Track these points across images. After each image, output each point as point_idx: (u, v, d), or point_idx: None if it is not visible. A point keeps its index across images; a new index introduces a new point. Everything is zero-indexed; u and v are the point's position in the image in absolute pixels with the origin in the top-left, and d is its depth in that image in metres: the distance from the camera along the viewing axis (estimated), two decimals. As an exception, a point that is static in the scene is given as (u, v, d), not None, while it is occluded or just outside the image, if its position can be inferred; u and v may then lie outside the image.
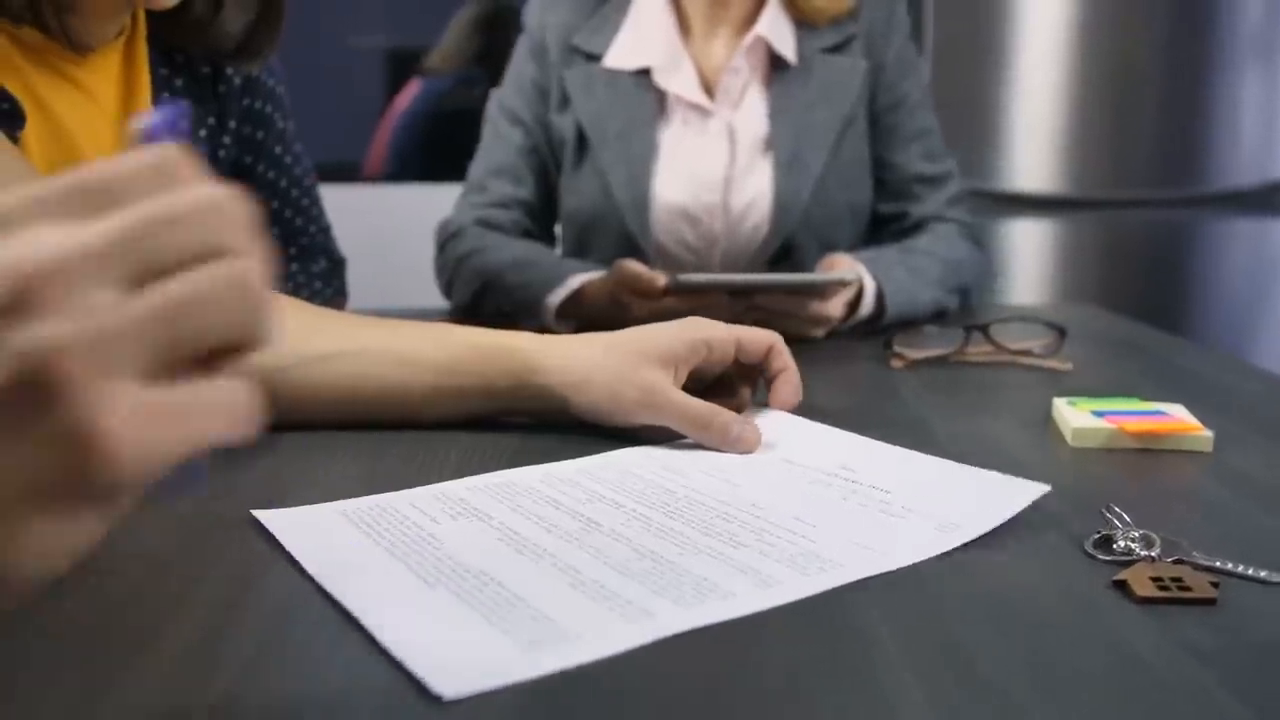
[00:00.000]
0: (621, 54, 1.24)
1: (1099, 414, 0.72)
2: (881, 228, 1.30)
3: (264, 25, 0.87)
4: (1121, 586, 0.48)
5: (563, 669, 0.40)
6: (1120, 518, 0.54)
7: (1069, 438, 0.71)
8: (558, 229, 1.36)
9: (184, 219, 0.29)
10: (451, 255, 1.25)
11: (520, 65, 1.31)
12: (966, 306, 1.26)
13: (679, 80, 1.23)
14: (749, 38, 1.21)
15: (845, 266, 1.09)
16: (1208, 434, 0.69)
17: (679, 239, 1.24)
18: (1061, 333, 0.97)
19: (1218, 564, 0.50)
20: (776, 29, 1.22)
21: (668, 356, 0.67)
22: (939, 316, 1.18)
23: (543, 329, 1.11)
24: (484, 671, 0.39)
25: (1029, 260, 2.33)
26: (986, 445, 0.71)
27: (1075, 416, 0.72)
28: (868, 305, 1.09)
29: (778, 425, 0.70)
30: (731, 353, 0.71)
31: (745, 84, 1.23)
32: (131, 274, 0.28)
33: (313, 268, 1.09)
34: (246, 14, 0.86)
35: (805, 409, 0.74)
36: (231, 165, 1.00)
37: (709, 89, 1.24)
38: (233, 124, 0.97)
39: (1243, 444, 0.70)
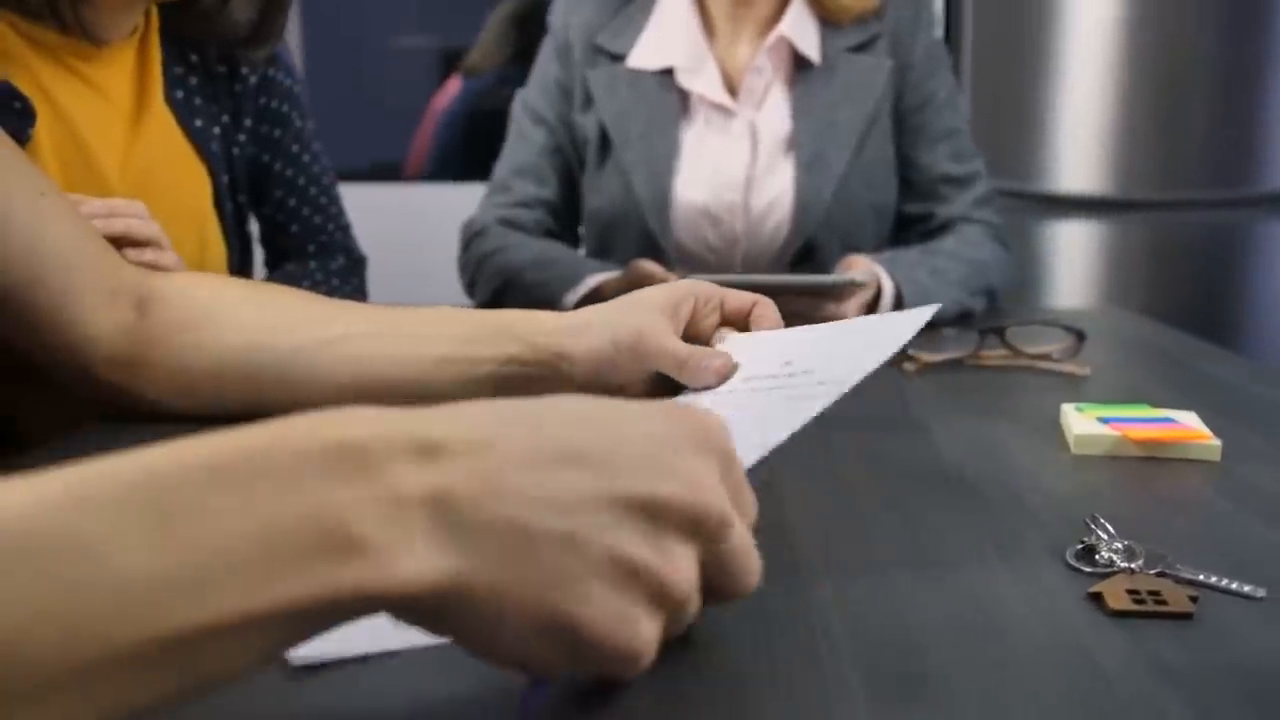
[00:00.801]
0: (645, 54, 1.24)
1: (1105, 421, 0.70)
2: (908, 228, 1.29)
3: (270, 14, 0.88)
4: (1097, 599, 0.46)
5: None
6: (1104, 528, 0.52)
7: (1071, 445, 0.69)
8: (582, 229, 1.36)
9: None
10: (474, 254, 1.26)
11: (544, 65, 1.31)
12: (994, 309, 1.24)
13: (702, 80, 1.22)
14: (771, 37, 1.20)
15: (863, 268, 1.07)
16: (1215, 443, 0.67)
17: (700, 239, 1.23)
18: (1080, 336, 0.94)
19: (1201, 578, 0.48)
20: (800, 28, 1.21)
21: (664, 308, 0.69)
22: (963, 319, 1.16)
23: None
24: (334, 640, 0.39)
25: (1073, 263, 2.29)
26: (985, 450, 0.69)
27: (1079, 423, 0.71)
28: (886, 308, 1.08)
29: (742, 348, 0.69)
30: (718, 303, 0.72)
31: (768, 84, 1.22)
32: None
33: (331, 265, 1.10)
34: (253, 3, 0.87)
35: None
36: (249, 163, 1.01)
37: (732, 89, 1.23)
38: (248, 122, 0.98)
39: (1255, 455, 0.68)
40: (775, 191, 1.21)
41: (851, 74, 1.21)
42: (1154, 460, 0.67)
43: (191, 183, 0.91)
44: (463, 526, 0.33)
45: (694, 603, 0.37)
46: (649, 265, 1.04)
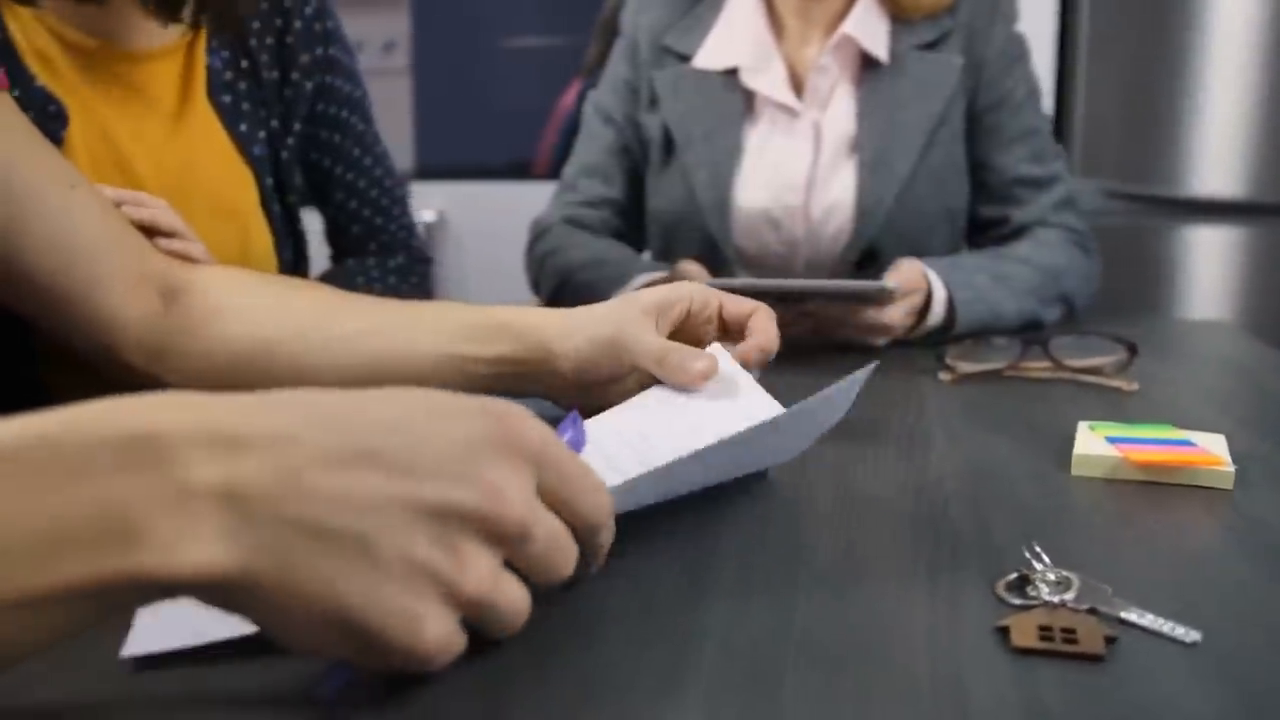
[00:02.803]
0: (711, 53, 1.22)
1: (1113, 440, 0.66)
2: (982, 233, 1.23)
3: None
4: (1005, 633, 0.43)
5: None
6: (1040, 557, 0.49)
7: (1071, 465, 0.65)
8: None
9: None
10: (537, 253, 1.27)
11: (614, 65, 1.31)
12: (1073, 318, 1.17)
13: (767, 79, 1.19)
14: (836, 36, 1.16)
15: (909, 272, 1.03)
16: (1228, 470, 0.61)
17: (760, 242, 1.20)
18: (1132, 350, 0.88)
19: (1134, 617, 0.44)
20: (867, 26, 1.17)
21: (649, 307, 0.70)
22: (1031, 328, 1.10)
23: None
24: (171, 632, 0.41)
25: (1210, 271, 2.14)
26: (977, 467, 0.66)
27: (1084, 442, 0.66)
28: (937, 315, 1.03)
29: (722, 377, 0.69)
30: (714, 311, 0.73)
31: (834, 83, 1.19)
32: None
33: (389, 263, 1.12)
34: None
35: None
36: (308, 167, 1.05)
37: (799, 88, 1.20)
38: (298, 126, 1.01)
39: (1277, 486, 0.62)
40: (836, 194, 1.17)
41: (920, 72, 1.16)
42: (1157, 485, 0.62)
43: (234, 183, 0.95)
44: (253, 521, 0.34)
45: (496, 602, 0.37)
46: (689, 267, 1.03)
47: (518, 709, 0.38)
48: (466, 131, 2.40)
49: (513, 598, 0.38)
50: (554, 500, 0.40)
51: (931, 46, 1.18)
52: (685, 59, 1.23)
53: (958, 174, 1.19)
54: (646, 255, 1.32)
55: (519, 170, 2.88)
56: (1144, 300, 2.11)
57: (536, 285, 1.28)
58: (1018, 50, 1.19)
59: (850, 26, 1.16)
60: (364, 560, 0.34)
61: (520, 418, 0.39)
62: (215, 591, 0.34)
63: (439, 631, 0.36)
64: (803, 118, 1.19)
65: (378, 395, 0.38)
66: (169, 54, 0.90)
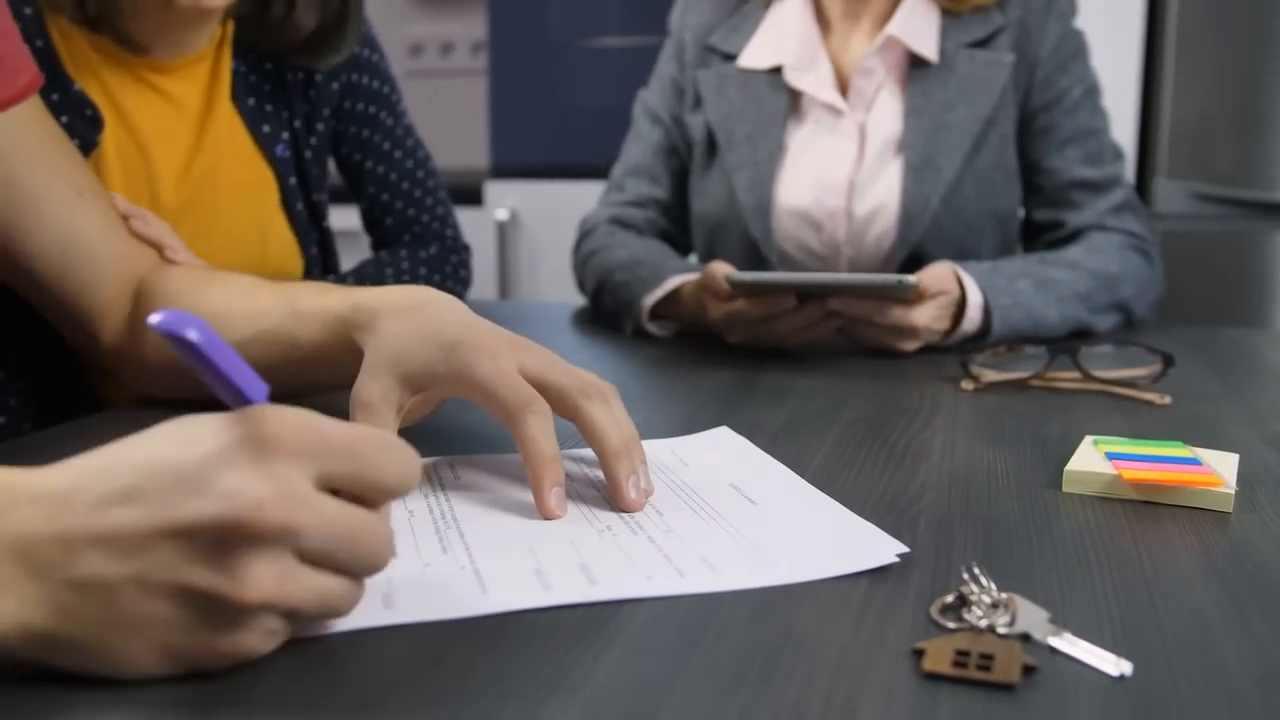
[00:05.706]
0: (756, 53, 1.20)
1: (1112, 457, 0.62)
2: (1036, 237, 1.18)
3: (328, 25, 0.93)
4: (919, 656, 0.41)
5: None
6: (978, 579, 0.46)
7: (1063, 481, 0.62)
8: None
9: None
10: (582, 253, 1.26)
11: (662, 65, 1.30)
12: (1131, 327, 1.12)
13: (812, 79, 1.17)
14: (881, 37, 1.13)
15: (940, 274, 0.99)
16: (1227, 492, 0.58)
17: (802, 245, 1.18)
18: (1168, 361, 0.84)
19: (1065, 645, 0.42)
20: (914, 25, 1.13)
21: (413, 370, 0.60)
22: (1081, 336, 1.05)
23: (638, 330, 1.11)
24: None
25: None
26: (966, 480, 0.63)
27: (1081, 458, 0.63)
28: (972, 320, 0.99)
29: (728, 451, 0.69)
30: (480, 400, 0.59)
31: (879, 84, 1.15)
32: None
33: (420, 253, 1.13)
34: (316, 15, 0.92)
35: (824, 418, 0.72)
36: (341, 163, 1.08)
37: (845, 88, 1.17)
38: (320, 126, 1.03)
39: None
40: (880, 197, 1.14)
41: (969, 72, 1.12)
42: (1151, 506, 0.59)
43: (254, 184, 0.97)
44: (39, 580, 0.36)
45: (290, 601, 0.37)
46: (716, 267, 1.01)
47: (403, 706, 0.38)
48: (543, 131, 2.41)
49: (312, 589, 0.38)
50: (348, 481, 0.39)
51: (982, 44, 1.13)
52: (730, 58, 1.22)
53: (1007, 177, 1.14)
54: (693, 258, 1.31)
55: (608, 170, 2.88)
56: (1236, 310, 2.00)
57: (581, 284, 1.28)
58: (1074, 47, 1.14)
59: (896, 27, 1.13)
60: (143, 599, 0.36)
61: (278, 416, 0.38)
62: (18, 647, 0.36)
63: (244, 643, 0.38)
64: (847, 118, 1.16)
65: (147, 433, 0.39)
66: (198, 62, 0.93)
